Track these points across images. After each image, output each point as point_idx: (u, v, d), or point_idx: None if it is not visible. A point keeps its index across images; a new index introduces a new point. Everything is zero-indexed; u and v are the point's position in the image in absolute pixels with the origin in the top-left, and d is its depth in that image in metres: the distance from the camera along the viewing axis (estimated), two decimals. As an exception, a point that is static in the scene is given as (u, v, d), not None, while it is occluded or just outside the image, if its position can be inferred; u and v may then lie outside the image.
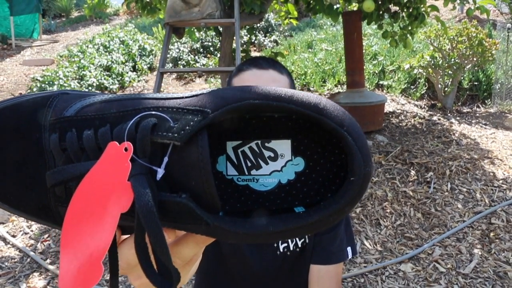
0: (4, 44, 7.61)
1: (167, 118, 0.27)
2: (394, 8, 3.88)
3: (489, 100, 5.28)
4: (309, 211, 0.29)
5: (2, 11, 7.75)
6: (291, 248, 0.80)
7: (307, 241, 0.82)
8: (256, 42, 7.01)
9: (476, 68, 5.29)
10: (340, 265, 0.81)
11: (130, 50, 6.32)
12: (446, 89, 4.97)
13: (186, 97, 0.29)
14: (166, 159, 0.27)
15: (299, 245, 0.81)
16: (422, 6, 3.67)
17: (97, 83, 5.40)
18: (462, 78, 5.31)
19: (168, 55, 6.09)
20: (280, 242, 0.79)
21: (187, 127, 0.26)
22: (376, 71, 5.42)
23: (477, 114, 4.87)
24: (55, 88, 4.97)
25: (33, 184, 0.31)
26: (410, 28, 3.85)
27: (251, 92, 0.28)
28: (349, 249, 0.83)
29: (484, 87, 5.37)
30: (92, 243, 0.26)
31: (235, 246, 0.79)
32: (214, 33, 6.19)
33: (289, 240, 0.80)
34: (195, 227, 0.28)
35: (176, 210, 0.27)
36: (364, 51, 4.63)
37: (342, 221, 0.85)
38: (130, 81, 5.75)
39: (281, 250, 0.80)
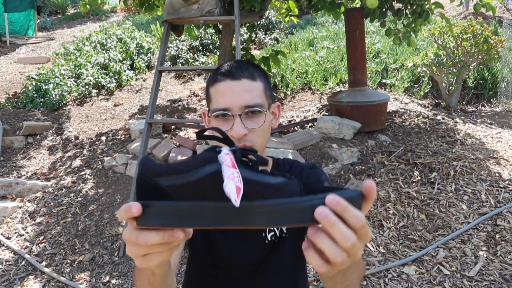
0: (-2, 41, 7.57)
1: None
2: (397, 5, 3.83)
3: (494, 99, 5.21)
4: None
5: (-4, 8, 7.69)
6: (277, 235, 0.82)
7: (284, 231, 0.84)
8: (256, 40, 6.96)
9: (481, 66, 5.22)
10: None
11: (127, 48, 6.27)
12: (450, 87, 4.90)
13: None
14: None
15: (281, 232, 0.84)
16: (426, 3, 3.61)
17: (94, 82, 5.34)
18: (467, 76, 5.24)
19: (166, 53, 6.04)
20: (267, 231, 0.82)
21: None
22: (379, 70, 5.36)
23: (483, 113, 4.80)
24: (50, 87, 4.91)
25: None
26: (414, 25, 3.80)
27: None
28: None
29: (490, 85, 5.30)
30: None
31: (224, 237, 0.82)
32: (213, 31, 6.13)
33: (275, 228, 0.82)
34: None
35: None
36: (366, 49, 4.57)
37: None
38: (127, 80, 5.69)
39: (269, 239, 0.82)
